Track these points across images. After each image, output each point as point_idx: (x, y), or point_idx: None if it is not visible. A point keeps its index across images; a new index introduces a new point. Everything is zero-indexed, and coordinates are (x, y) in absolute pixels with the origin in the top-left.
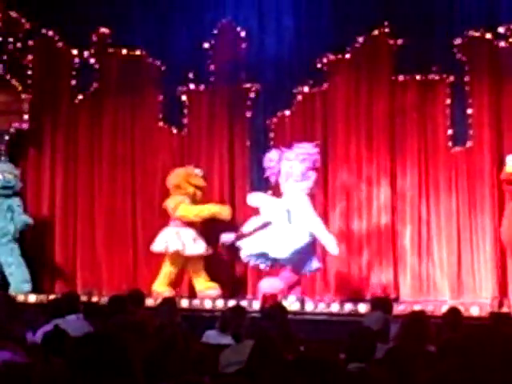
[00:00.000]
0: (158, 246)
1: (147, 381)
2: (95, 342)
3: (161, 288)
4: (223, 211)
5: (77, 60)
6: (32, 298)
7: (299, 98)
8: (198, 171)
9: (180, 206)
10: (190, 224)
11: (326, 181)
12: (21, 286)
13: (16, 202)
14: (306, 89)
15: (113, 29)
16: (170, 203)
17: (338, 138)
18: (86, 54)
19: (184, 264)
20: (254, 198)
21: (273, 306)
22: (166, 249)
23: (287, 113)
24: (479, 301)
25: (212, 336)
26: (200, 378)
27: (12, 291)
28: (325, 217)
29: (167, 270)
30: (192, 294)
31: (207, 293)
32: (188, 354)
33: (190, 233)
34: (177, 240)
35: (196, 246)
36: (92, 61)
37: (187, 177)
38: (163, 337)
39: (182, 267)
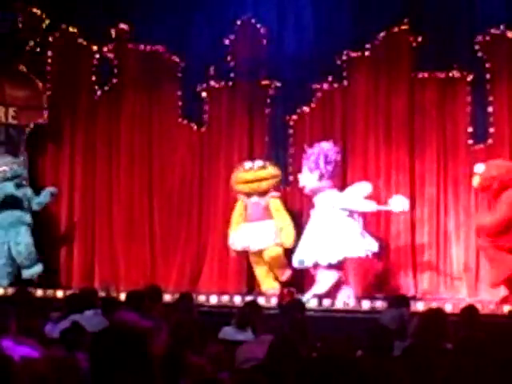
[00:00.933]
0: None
1: (165, 376)
2: (113, 336)
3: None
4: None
5: (96, 56)
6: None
7: (319, 94)
8: (248, 164)
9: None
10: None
11: (345, 177)
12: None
13: (29, 191)
14: (326, 85)
15: (133, 25)
16: None
17: (357, 135)
18: (105, 49)
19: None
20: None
21: (290, 303)
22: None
23: (307, 109)
24: (496, 299)
25: (229, 332)
26: (217, 375)
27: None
28: None
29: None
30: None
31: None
32: (205, 350)
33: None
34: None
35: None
36: (111, 56)
37: (237, 179)
38: (180, 333)
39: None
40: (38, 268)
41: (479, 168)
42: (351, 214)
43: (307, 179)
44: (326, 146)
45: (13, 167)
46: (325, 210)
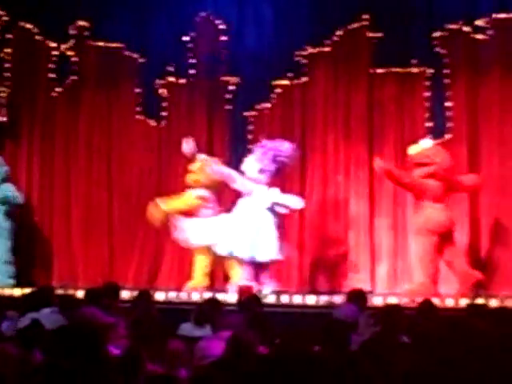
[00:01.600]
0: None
1: (123, 374)
2: (70, 334)
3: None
4: None
5: (55, 53)
6: None
7: (278, 90)
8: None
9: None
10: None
11: (304, 173)
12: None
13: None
14: (286, 82)
15: (91, 22)
16: None
17: (317, 131)
18: (64, 47)
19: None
20: None
21: (248, 299)
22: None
23: (266, 106)
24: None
25: (187, 329)
26: (175, 371)
27: None
28: (302, 209)
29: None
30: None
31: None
32: (164, 347)
33: None
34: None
35: None
36: (70, 54)
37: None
38: (139, 331)
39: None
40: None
41: (427, 143)
42: (276, 214)
43: (249, 167)
44: (282, 147)
45: None
46: (253, 204)
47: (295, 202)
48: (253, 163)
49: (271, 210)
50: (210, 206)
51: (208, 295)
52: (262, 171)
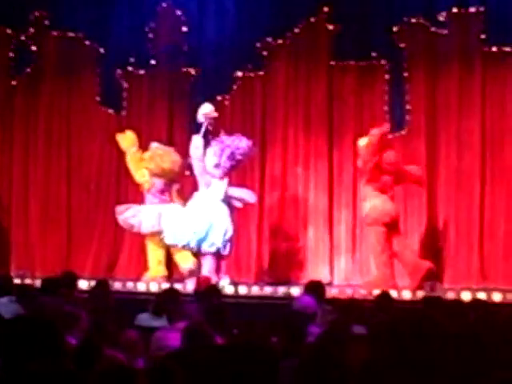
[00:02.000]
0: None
1: (81, 364)
2: (25, 324)
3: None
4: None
5: (14, 42)
6: None
7: (239, 82)
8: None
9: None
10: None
11: (264, 164)
12: None
13: None
14: (246, 73)
15: (51, 11)
16: None
17: (277, 123)
18: (23, 36)
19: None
20: None
21: (207, 289)
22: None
23: (226, 97)
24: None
25: (144, 319)
26: (131, 361)
27: None
28: (261, 201)
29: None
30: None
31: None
32: (120, 337)
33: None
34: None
35: None
36: (29, 43)
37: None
38: (96, 320)
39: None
40: None
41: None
42: (230, 207)
43: (207, 160)
44: (240, 144)
45: None
46: (207, 197)
47: (249, 195)
48: (210, 157)
49: (225, 202)
50: (157, 195)
51: (166, 285)
52: (217, 166)
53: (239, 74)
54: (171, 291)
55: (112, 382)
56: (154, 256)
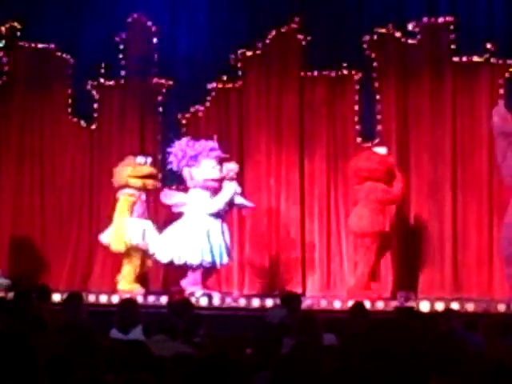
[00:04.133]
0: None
1: (55, 377)
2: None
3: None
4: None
5: None
6: None
7: (212, 93)
8: (141, 159)
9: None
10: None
11: (243, 176)
12: None
13: None
14: (220, 85)
15: (23, 22)
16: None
17: (251, 134)
18: None
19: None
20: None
21: (179, 302)
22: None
23: (201, 108)
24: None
25: (116, 334)
26: (104, 374)
27: None
28: (239, 211)
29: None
30: None
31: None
32: (96, 351)
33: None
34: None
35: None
36: (1, 54)
37: (132, 172)
38: (72, 334)
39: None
40: None
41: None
42: (222, 219)
43: (202, 172)
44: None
45: None
46: (198, 211)
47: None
48: (207, 169)
49: (217, 215)
50: (138, 206)
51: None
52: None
53: (213, 85)
54: (127, 302)
55: None
56: (130, 269)
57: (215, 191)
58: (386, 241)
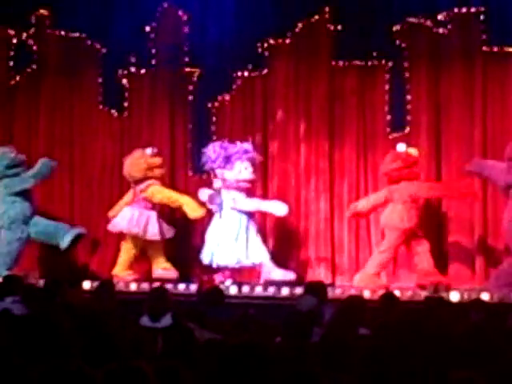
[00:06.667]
0: (118, 225)
1: (86, 363)
2: (31, 323)
3: (122, 272)
4: (193, 211)
5: (15, 41)
6: None
7: (239, 82)
8: (149, 151)
9: (150, 187)
10: (153, 207)
11: (266, 164)
12: None
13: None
14: (246, 73)
15: (53, 10)
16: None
17: (278, 122)
18: (24, 35)
19: (143, 247)
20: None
21: (209, 290)
22: (127, 230)
23: (227, 97)
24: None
25: (146, 321)
26: (137, 361)
27: None
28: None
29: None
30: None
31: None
32: (125, 338)
33: (153, 215)
34: (138, 223)
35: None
36: (30, 42)
37: (148, 165)
38: (101, 321)
39: (141, 250)
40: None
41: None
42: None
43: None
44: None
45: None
46: (233, 211)
47: (279, 208)
48: (239, 171)
49: (250, 215)
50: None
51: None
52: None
53: (240, 73)
54: (157, 290)
55: (121, 382)
56: (128, 256)
57: (248, 192)
58: (412, 235)
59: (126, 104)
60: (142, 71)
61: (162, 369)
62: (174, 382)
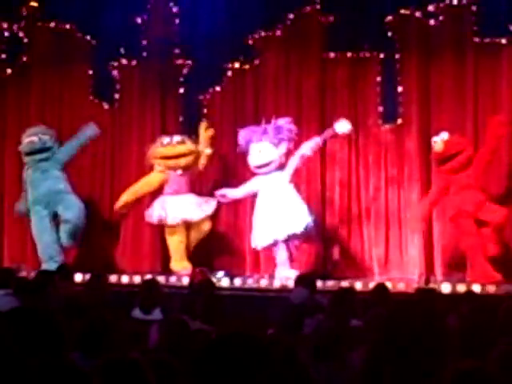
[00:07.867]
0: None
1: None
2: (23, 316)
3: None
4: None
5: (6, 33)
6: None
7: (229, 74)
8: (167, 139)
9: None
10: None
11: None
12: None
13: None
14: (237, 65)
15: (43, 2)
16: None
17: (268, 115)
18: (15, 27)
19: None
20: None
21: (201, 282)
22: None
23: (218, 89)
24: (407, 277)
25: (137, 313)
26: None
27: None
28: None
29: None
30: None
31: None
32: (117, 330)
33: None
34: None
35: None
36: (21, 34)
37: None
38: (93, 313)
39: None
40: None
41: (444, 135)
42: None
43: (273, 154)
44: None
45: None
46: (277, 187)
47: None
48: (274, 149)
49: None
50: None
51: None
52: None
53: (230, 65)
54: (151, 284)
55: (117, 375)
56: (177, 248)
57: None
58: None
59: (116, 96)
60: (133, 63)
61: (156, 361)
62: (169, 374)
